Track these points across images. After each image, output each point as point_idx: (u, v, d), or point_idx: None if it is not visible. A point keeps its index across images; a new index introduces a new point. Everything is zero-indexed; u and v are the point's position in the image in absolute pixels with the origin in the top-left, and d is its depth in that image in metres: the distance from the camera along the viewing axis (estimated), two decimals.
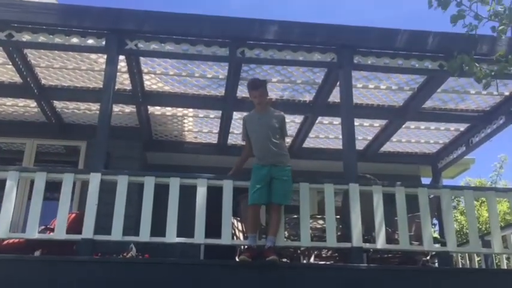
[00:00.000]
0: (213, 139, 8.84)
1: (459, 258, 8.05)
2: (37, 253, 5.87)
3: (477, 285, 5.02)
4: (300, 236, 5.16)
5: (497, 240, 5.27)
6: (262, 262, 4.73)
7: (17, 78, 6.78)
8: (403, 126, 8.07)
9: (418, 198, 5.34)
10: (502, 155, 19.31)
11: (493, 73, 4.06)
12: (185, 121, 8.28)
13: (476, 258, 7.65)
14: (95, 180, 4.97)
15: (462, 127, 8.24)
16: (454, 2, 3.91)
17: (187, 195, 5.21)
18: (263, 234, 5.17)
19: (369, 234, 5.55)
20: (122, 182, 5.01)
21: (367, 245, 5.19)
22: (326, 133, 8.58)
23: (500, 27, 3.92)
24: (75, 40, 5.65)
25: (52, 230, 5.48)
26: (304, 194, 5.26)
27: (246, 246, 4.91)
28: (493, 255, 7.21)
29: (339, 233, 5.57)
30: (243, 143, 5.55)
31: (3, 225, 4.78)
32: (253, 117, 5.32)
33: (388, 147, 9.08)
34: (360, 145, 9.03)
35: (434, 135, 8.61)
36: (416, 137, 8.75)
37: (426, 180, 9.93)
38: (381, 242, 5.12)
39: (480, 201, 12.89)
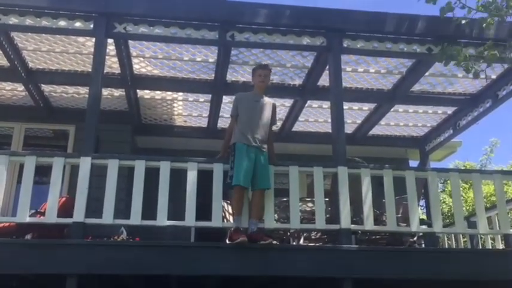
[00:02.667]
0: (203, 123, 8.84)
1: (445, 239, 8.18)
2: (28, 236, 5.89)
3: (461, 265, 5.13)
4: (289, 218, 5.23)
5: (482, 221, 5.38)
6: (252, 245, 4.79)
7: (4, 62, 6.70)
8: (392, 109, 8.14)
9: (405, 181, 5.43)
10: (493, 139, 19.42)
11: (481, 61, 4.12)
12: (175, 105, 8.27)
13: (462, 239, 7.81)
14: (85, 164, 4.97)
15: (450, 110, 8.33)
16: None
17: (181, 178, 5.24)
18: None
19: (357, 216, 5.64)
20: (113, 166, 5.03)
21: (355, 227, 5.27)
22: (316, 117, 8.63)
23: (489, 19, 3.98)
24: (62, 23, 5.59)
25: (42, 214, 5.50)
26: (294, 177, 5.31)
27: (233, 229, 4.93)
28: (478, 236, 7.36)
29: (327, 215, 5.66)
30: (230, 118, 5.51)
31: None
32: (249, 98, 5.35)
33: (376, 130, 9.16)
34: (349, 128, 9.10)
35: (422, 118, 8.70)
36: (405, 120, 8.84)
37: (414, 163, 10.06)
38: (369, 224, 5.20)
39: (469, 184, 13.06)
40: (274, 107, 5.41)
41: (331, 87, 5.87)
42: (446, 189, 15.68)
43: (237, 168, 4.94)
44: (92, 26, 5.58)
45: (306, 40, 5.95)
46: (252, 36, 5.88)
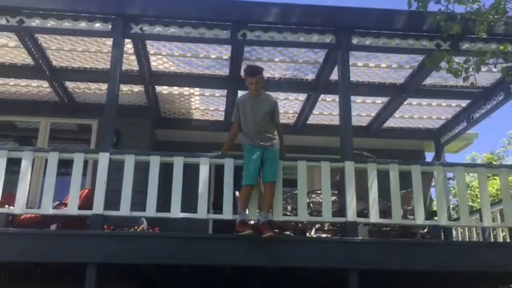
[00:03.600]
0: (220, 116, 9.09)
1: (459, 231, 8.28)
2: (53, 226, 6.26)
3: (463, 257, 5.28)
4: None
5: (487, 214, 5.50)
6: (260, 237, 5.04)
7: (29, 60, 7.07)
8: (405, 102, 8.23)
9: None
10: (511, 131, 19.18)
11: (471, 68, 4.26)
12: (192, 99, 8.54)
13: (475, 232, 7.90)
14: (103, 159, 5.28)
15: (464, 103, 8.38)
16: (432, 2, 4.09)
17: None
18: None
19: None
20: (129, 161, 5.33)
21: (361, 220, 5.46)
22: (330, 110, 8.77)
23: (481, 27, 4.11)
24: (82, 25, 5.89)
25: (66, 204, 5.85)
26: (302, 171, 5.52)
27: (238, 221, 5.17)
28: (490, 228, 7.44)
29: (337, 207, 5.86)
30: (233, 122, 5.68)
31: (20, 202, 5.15)
32: (247, 101, 5.53)
33: (391, 122, 9.26)
34: (364, 121, 9.24)
35: (436, 111, 8.76)
36: (419, 113, 8.92)
37: (430, 155, 10.13)
38: (373, 216, 5.38)
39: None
40: (274, 104, 5.54)
41: (339, 84, 6.03)
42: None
43: (245, 171, 5.24)
44: (110, 27, 5.87)
45: (315, 38, 6.11)
46: (263, 34, 6.07)
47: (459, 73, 4.48)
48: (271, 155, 5.30)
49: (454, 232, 8.31)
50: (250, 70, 5.54)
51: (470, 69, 4.44)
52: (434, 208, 8.00)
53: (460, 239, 8.29)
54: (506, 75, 4.52)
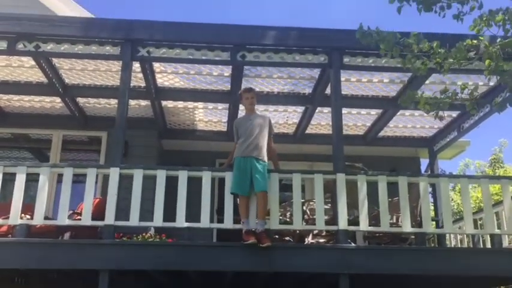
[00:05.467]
0: (223, 127, 9.56)
1: (450, 237, 8.67)
2: (67, 234, 6.76)
3: (449, 262, 5.71)
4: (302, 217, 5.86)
5: (469, 222, 5.93)
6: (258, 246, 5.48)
7: (44, 79, 7.58)
8: (398, 113, 8.67)
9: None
10: (502, 140, 19.67)
11: (441, 104, 4.69)
12: (196, 112, 9.03)
13: (466, 238, 8.32)
14: (114, 174, 5.76)
15: (454, 114, 8.79)
16: None
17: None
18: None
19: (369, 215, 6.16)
20: (138, 175, 5.80)
21: (352, 228, 5.90)
22: (327, 121, 9.19)
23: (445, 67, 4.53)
24: (93, 48, 6.38)
25: (79, 214, 6.34)
26: (297, 183, 5.96)
27: (244, 231, 5.64)
28: (480, 235, 7.83)
29: (331, 213, 6.31)
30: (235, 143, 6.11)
31: (38, 214, 5.64)
32: (245, 119, 6.08)
33: (386, 131, 9.69)
34: (360, 130, 9.68)
35: (428, 120, 9.16)
36: (412, 123, 9.34)
37: (425, 161, 10.55)
38: (363, 225, 5.82)
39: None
40: (269, 120, 6.10)
41: (332, 101, 6.48)
42: (456, 188, 16.04)
43: (232, 179, 5.74)
44: (119, 51, 6.35)
45: (309, 57, 6.55)
46: (261, 55, 6.53)
47: (428, 110, 4.94)
48: (259, 167, 5.69)
49: (454, 239, 8.67)
50: (247, 88, 6.26)
51: (441, 105, 4.88)
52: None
53: (459, 245, 8.68)
54: (470, 110, 4.95)
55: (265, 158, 5.86)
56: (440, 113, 4.96)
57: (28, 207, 6.02)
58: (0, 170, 5.75)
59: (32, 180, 6.09)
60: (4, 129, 9.13)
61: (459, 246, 8.53)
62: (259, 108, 8.38)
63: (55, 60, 7.18)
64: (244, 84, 7.75)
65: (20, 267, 5.56)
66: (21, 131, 9.15)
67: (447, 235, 8.57)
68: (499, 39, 4.71)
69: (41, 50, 6.34)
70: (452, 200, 14.95)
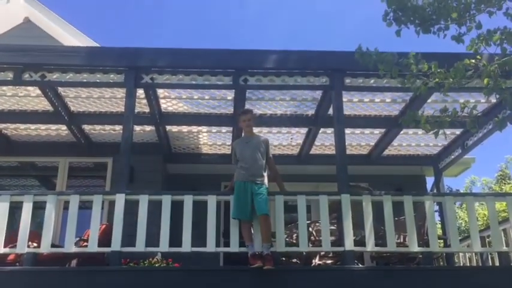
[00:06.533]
0: (227, 150, 9.61)
1: (459, 255, 8.61)
2: (74, 261, 6.77)
3: (457, 282, 5.68)
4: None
5: (475, 240, 5.90)
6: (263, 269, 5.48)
7: (49, 107, 7.69)
8: (401, 132, 8.70)
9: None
10: (508, 156, 19.63)
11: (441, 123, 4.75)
12: (200, 136, 9.10)
13: (474, 256, 8.25)
14: (120, 200, 5.81)
15: (458, 131, 8.81)
16: None
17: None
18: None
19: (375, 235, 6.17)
20: (143, 202, 5.84)
21: (358, 249, 5.89)
22: (330, 141, 9.24)
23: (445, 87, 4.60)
24: (98, 76, 6.49)
25: (85, 240, 6.36)
26: (302, 205, 5.98)
27: (250, 254, 5.65)
28: (488, 252, 7.77)
29: (337, 234, 6.30)
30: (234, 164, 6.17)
31: (45, 242, 5.67)
32: (242, 141, 6.14)
33: (391, 150, 9.71)
34: (364, 150, 9.71)
35: (432, 139, 9.16)
36: (416, 141, 9.36)
37: (430, 179, 10.53)
38: (370, 245, 5.81)
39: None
40: (266, 142, 6.12)
41: (334, 122, 6.53)
42: (463, 205, 15.98)
43: (233, 204, 5.78)
44: (123, 78, 6.46)
45: (311, 79, 6.64)
46: (263, 78, 6.62)
47: (428, 129, 4.99)
48: (260, 190, 5.71)
49: (463, 257, 8.58)
50: (243, 110, 6.35)
51: (441, 123, 4.92)
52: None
53: (468, 263, 8.59)
54: (470, 128, 4.99)
55: (265, 180, 5.89)
56: (442, 131, 4.96)
57: (35, 234, 6.07)
58: (8, 199, 5.80)
59: (38, 208, 6.14)
60: (11, 157, 9.24)
61: (468, 264, 8.49)
62: (263, 130, 8.44)
63: (61, 89, 7.30)
64: (247, 107, 7.84)
65: None
66: (27, 159, 9.24)
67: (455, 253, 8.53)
68: (496, 58, 4.76)
69: (47, 80, 6.46)
70: (459, 217, 14.88)
